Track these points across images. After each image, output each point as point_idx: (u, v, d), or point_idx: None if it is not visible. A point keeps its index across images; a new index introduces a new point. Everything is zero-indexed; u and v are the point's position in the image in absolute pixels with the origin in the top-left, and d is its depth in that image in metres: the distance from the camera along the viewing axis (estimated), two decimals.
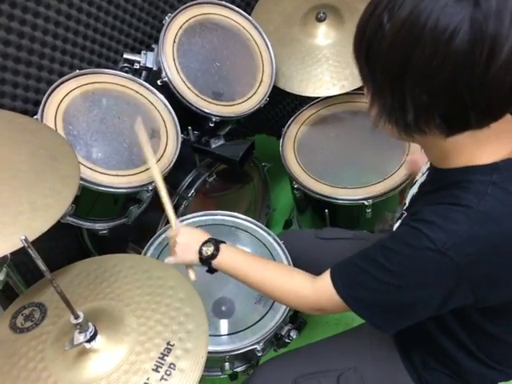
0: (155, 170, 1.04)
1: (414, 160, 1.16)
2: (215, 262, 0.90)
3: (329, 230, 1.31)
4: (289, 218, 1.90)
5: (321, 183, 1.42)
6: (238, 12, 1.47)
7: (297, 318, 1.19)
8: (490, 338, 0.80)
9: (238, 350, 1.04)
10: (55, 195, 0.82)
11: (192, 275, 0.95)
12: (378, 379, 0.95)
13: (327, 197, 1.37)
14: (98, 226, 1.30)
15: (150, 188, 1.17)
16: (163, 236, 1.23)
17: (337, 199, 1.36)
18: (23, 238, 0.58)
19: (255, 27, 1.49)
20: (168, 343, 0.77)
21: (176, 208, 1.45)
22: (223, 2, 1.45)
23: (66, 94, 1.15)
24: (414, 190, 0.86)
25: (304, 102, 1.71)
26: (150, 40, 1.54)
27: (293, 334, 1.12)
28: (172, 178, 1.32)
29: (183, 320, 0.80)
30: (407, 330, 0.86)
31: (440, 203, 0.66)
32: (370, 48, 0.61)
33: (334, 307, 0.78)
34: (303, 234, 1.37)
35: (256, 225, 1.27)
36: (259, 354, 1.07)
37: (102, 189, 1.09)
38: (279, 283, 0.86)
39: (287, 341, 1.13)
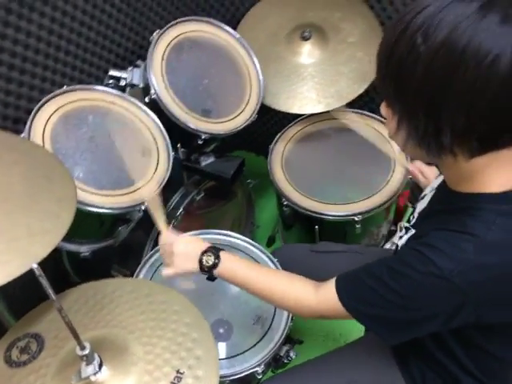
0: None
1: (419, 168, 1.17)
2: (216, 272, 0.89)
3: (322, 244, 1.32)
4: (272, 235, 1.89)
5: (310, 199, 1.42)
6: (224, 29, 1.47)
7: (292, 338, 1.18)
8: (486, 356, 0.82)
9: (238, 374, 1.01)
10: (52, 219, 0.78)
11: (191, 285, 0.93)
12: None
13: (317, 213, 1.37)
14: (83, 248, 1.25)
15: (143, 208, 1.14)
16: (155, 257, 1.19)
17: (327, 215, 1.37)
18: (35, 266, 0.54)
19: (242, 45, 1.49)
20: (177, 371, 0.74)
21: None
22: (210, 19, 1.45)
23: (54, 111, 1.11)
24: (422, 204, 0.87)
25: (284, 118, 1.72)
26: (132, 56, 1.52)
27: (292, 354, 1.10)
28: (161, 194, 1.29)
29: (191, 346, 0.78)
30: (407, 344, 0.87)
31: (447, 229, 0.67)
32: (401, 71, 0.60)
33: (335, 315, 0.80)
34: (297, 249, 1.36)
35: (249, 243, 1.25)
36: (259, 377, 1.05)
37: (94, 210, 1.05)
38: (280, 289, 0.86)
39: (285, 361, 1.11)
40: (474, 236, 0.63)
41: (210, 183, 1.50)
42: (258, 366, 1.03)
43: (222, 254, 0.89)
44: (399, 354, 0.97)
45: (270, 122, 2.13)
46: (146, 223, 1.40)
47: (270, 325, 1.10)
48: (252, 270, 0.90)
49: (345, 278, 0.79)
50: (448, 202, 0.73)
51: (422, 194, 0.91)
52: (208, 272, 0.90)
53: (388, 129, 0.71)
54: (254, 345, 1.07)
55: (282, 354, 1.10)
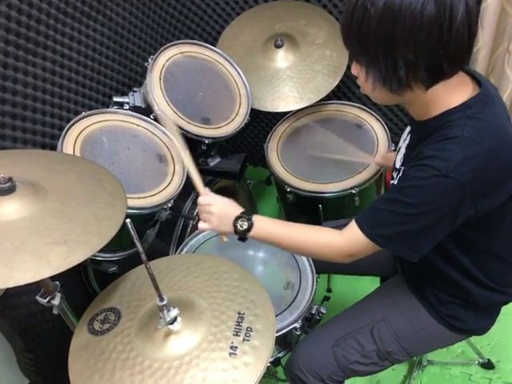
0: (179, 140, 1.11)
1: (386, 156, 1.46)
2: (250, 234, 0.99)
3: (327, 223, 1.47)
4: None
5: (310, 182, 1.58)
6: (208, 48, 1.66)
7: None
8: (487, 257, 0.97)
9: (280, 330, 1.14)
10: (111, 207, 0.91)
11: (225, 238, 1.05)
12: (405, 323, 1.10)
13: (319, 192, 1.54)
14: (117, 255, 1.37)
15: (169, 205, 1.28)
16: (191, 243, 1.35)
17: (329, 192, 1.53)
18: (128, 220, 0.68)
19: (225, 59, 1.68)
20: (239, 313, 0.87)
21: (184, 228, 1.55)
22: (194, 41, 1.64)
23: (78, 135, 1.25)
24: (401, 153, 1.04)
25: (270, 123, 1.87)
26: (129, 81, 1.70)
27: (323, 309, 1.24)
28: (174, 202, 1.42)
29: (245, 293, 0.92)
30: (418, 272, 1.03)
31: (434, 142, 0.84)
32: (360, 30, 0.79)
33: (363, 250, 0.92)
34: None
35: None
36: (298, 333, 1.17)
37: (131, 211, 1.18)
38: (311, 240, 0.98)
39: (318, 318, 1.24)
40: (454, 138, 0.81)
41: (217, 186, 1.66)
42: (296, 321, 1.16)
43: (254, 218, 1.00)
44: (415, 287, 1.11)
45: (254, 131, 2.31)
46: (168, 234, 1.55)
47: (299, 287, 1.24)
48: (283, 229, 1.00)
49: (363, 213, 0.93)
50: (424, 130, 0.89)
51: (398, 147, 1.08)
52: (242, 235, 0.99)
53: (360, 84, 0.89)
54: (289, 305, 1.20)
55: (313, 312, 1.23)
